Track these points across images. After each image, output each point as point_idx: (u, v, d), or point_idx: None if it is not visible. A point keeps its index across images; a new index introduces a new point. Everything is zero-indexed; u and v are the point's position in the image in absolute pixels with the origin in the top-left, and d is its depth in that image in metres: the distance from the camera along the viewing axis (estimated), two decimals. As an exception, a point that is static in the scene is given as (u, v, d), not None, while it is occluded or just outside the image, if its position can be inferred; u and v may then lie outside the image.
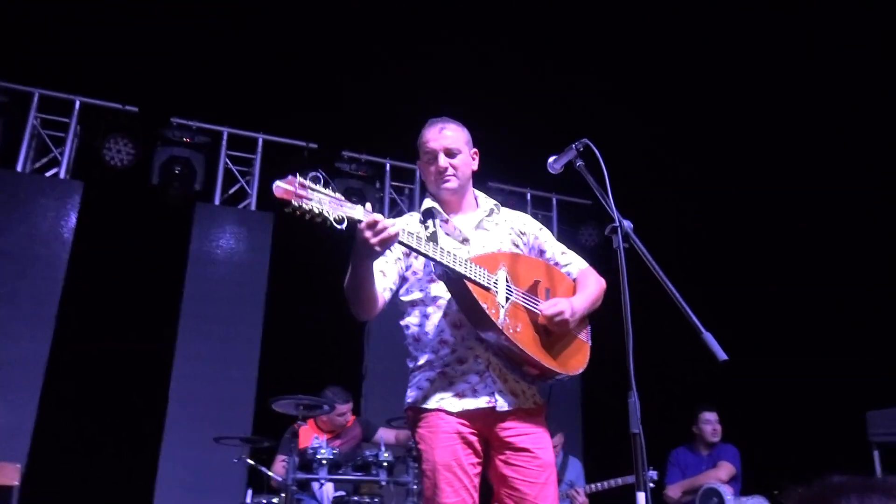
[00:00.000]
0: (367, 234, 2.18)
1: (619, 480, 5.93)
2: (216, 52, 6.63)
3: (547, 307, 2.56)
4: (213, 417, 6.08)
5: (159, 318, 6.53)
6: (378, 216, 2.22)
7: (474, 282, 2.43)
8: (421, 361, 2.62)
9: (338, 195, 2.17)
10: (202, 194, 7.00)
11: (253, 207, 7.23)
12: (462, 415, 2.52)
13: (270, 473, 4.93)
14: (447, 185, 2.68)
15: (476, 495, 2.51)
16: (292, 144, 7.44)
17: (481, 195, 2.84)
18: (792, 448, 7.86)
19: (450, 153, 2.67)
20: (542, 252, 2.82)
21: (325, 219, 2.11)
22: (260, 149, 7.35)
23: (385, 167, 7.92)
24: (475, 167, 2.78)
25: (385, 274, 2.57)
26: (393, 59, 7.08)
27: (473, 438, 2.53)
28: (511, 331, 2.45)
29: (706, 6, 6.52)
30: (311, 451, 4.76)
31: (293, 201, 2.05)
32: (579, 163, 2.55)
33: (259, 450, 5.33)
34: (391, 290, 2.62)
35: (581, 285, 2.75)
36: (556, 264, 2.81)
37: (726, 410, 6.42)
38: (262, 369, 6.57)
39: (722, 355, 1.93)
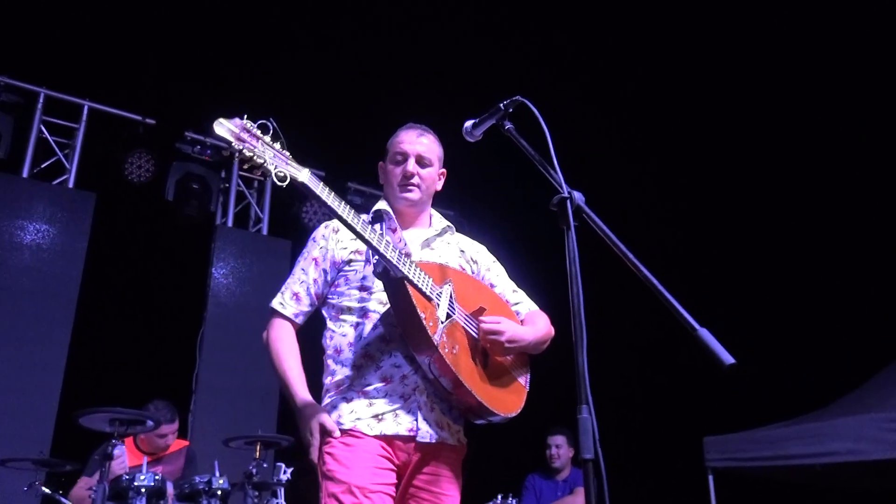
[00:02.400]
0: (309, 439, 2.24)
1: None
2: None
3: (489, 320, 2.35)
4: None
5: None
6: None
7: (416, 287, 2.19)
8: (339, 377, 2.32)
9: (285, 152, 2.04)
10: (8, 164, 6.07)
11: (71, 185, 6.25)
12: (378, 439, 2.22)
13: (67, 502, 4.01)
14: (409, 194, 2.46)
15: None
16: (125, 117, 6.66)
17: (437, 215, 2.63)
18: (634, 471, 7.92)
19: (421, 162, 2.47)
20: (491, 286, 2.61)
21: (267, 171, 1.99)
22: (85, 118, 6.49)
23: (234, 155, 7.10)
24: (439, 187, 2.59)
25: (299, 299, 2.43)
26: (253, 39, 6.52)
27: (391, 466, 2.22)
28: (447, 350, 2.19)
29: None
30: (127, 478, 3.98)
31: (234, 143, 1.93)
32: (508, 125, 2.19)
33: (58, 475, 4.37)
34: (317, 295, 2.46)
35: (529, 323, 2.53)
36: (507, 302, 2.59)
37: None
38: (69, 378, 5.66)
39: (728, 358, 1.48)
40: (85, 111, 6.44)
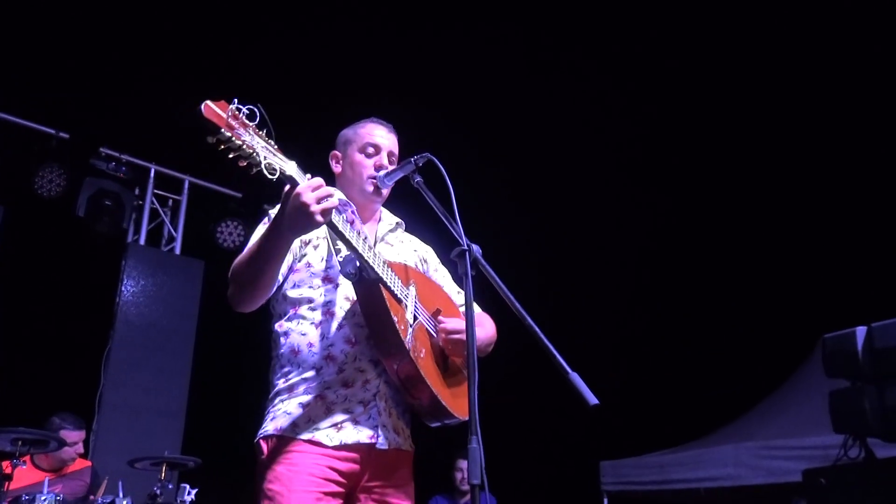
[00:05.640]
0: (308, 197, 1.84)
1: None
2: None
3: (449, 321, 2.28)
4: None
5: None
6: (321, 179, 1.90)
7: (389, 289, 2.12)
8: (294, 379, 2.18)
9: (272, 141, 1.86)
10: None
11: (-25, 197, 6.05)
12: (338, 450, 2.11)
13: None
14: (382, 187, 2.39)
15: None
16: (38, 130, 6.52)
17: (385, 210, 2.55)
18: (532, 494, 8.22)
19: (391, 157, 2.43)
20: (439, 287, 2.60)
21: (257, 163, 1.80)
22: (-6, 130, 6.26)
23: (149, 172, 7.16)
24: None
25: (285, 255, 2.16)
26: (174, 54, 6.53)
27: (338, 489, 2.11)
28: (415, 354, 2.13)
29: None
30: (27, 497, 3.93)
31: (223, 130, 1.73)
32: (417, 178, 2.29)
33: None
34: (278, 280, 2.22)
35: (478, 325, 2.49)
36: (453, 303, 2.56)
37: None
38: None
39: (592, 399, 1.73)
40: (-6, 123, 6.29)
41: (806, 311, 7.49)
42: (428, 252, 2.62)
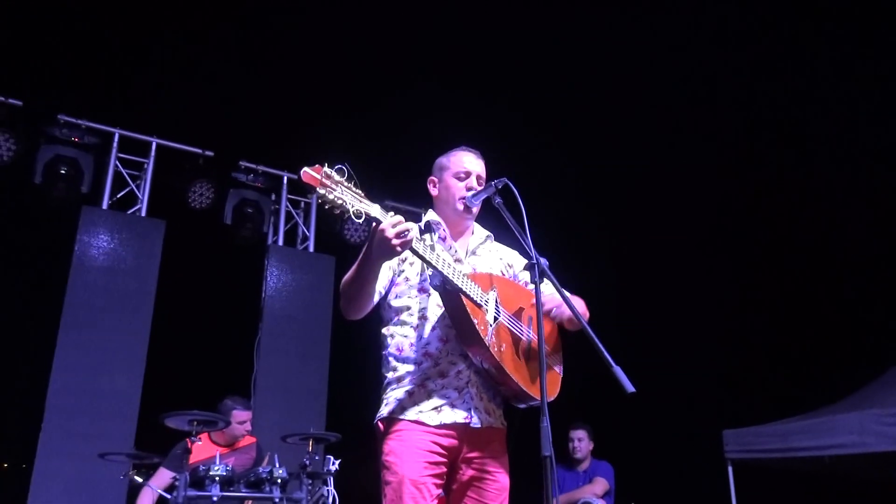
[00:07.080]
0: (390, 233, 2.28)
1: None
2: (109, 51, 6.56)
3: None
4: (93, 431, 5.85)
5: (37, 324, 6.21)
6: (400, 217, 2.33)
7: (468, 297, 2.54)
8: (400, 372, 2.67)
9: (358, 190, 2.27)
10: (89, 197, 6.75)
11: (143, 213, 7.01)
12: (439, 428, 2.58)
13: (161, 492, 4.77)
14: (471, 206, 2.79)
15: None
16: (187, 151, 7.32)
17: (477, 225, 2.96)
18: (656, 463, 8.42)
19: (479, 181, 2.83)
20: (525, 284, 2.97)
21: (346, 211, 2.22)
22: (153, 153, 7.18)
23: (282, 179, 7.89)
24: None
25: (377, 276, 2.62)
26: (297, 72, 7.17)
27: (442, 459, 2.58)
28: (495, 349, 2.56)
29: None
30: (203, 468, 4.65)
31: (318, 189, 2.17)
32: (497, 200, 2.67)
33: (145, 466, 5.13)
34: (380, 293, 2.69)
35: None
36: None
37: (603, 428, 6.72)
38: (147, 381, 6.35)
39: (630, 388, 2.12)
40: (153, 147, 7.13)
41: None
42: (513, 257, 3.00)
